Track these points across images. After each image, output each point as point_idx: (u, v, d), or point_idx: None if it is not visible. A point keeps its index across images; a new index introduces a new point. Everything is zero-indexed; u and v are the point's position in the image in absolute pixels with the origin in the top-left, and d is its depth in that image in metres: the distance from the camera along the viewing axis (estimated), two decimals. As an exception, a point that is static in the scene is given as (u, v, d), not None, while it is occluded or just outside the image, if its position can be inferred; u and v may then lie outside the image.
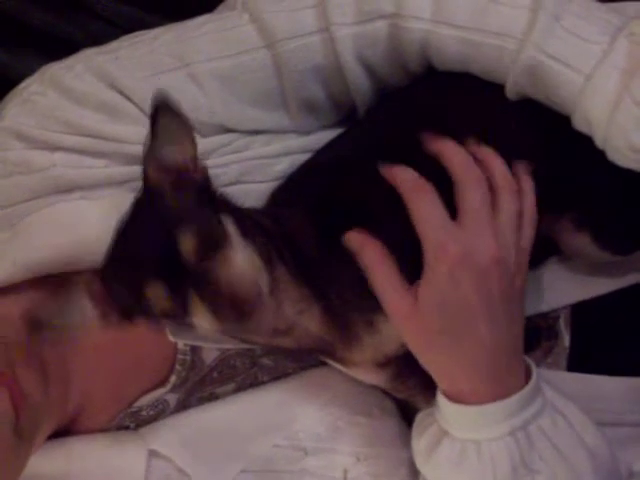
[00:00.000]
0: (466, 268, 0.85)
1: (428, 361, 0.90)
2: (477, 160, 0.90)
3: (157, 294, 0.83)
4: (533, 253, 0.93)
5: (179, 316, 0.84)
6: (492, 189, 0.89)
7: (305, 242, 0.93)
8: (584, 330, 1.08)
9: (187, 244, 0.82)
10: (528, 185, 0.91)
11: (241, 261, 0.84)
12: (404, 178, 0.89)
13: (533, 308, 1.05)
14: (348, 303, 0.92)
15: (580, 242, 1.01)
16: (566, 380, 1.00)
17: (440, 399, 0.91)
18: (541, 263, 1.07)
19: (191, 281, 0.83)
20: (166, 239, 0.83)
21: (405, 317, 0.87)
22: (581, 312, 1.08)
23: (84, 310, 0.88)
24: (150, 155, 0.86)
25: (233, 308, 0.82)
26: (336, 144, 1.04)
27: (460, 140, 0.91)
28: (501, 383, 0.88)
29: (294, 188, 1.02)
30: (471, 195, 0.88)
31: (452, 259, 0.85)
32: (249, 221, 0.90)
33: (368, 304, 0.91)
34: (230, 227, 0.86)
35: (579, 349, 1.07)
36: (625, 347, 1.08)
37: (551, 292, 1.06)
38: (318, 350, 0.96)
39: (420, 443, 0.95)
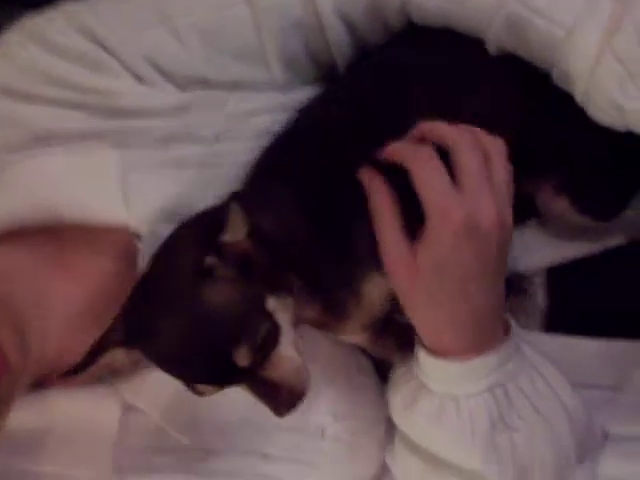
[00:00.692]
0: (469, 233, 0.85)
1: (416, 317, 0.90)
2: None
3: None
4: (515, 215, 0.92)
5: None
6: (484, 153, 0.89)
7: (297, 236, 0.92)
8: (560, 291, 1.08)
9: (243, 359, 0.83)
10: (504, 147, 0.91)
11: (291, 353, 0.86)
12: (404, 147, 0.89)
13: (510, 268, 1.05)
14: (338, 280, 0.92)
15: (560, 206, 1.01)
16: (542, 341, 1.00)
17: (421, 354, 0.91)
18: (521, 224, 1.06)
19: (244, 380, 0.85)
20: (218, 349, 0.83)
21: (402, 274, 0.87)
22: (558, 274, 1.08)
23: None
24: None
25: (287, 396, 0.85)
26: (315, 107, 1.03)
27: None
28: (483, 340, 0.89)
29: (277, 161, 1.00)
30: (468, 159, 0.87)
31: (456, 224, 0.85)
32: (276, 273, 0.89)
33: (353, 273, 0.92)
34: (277, 313, 0.86)
35: (555, 310, 1.08)
36: (601, 309, 1.08)
37: (529, 253, 1.06)
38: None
39: (397, 398, 0.95)
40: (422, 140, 0.89)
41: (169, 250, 0.88)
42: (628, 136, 0.92)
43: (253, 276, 0.85)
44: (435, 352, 0.90)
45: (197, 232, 0.87)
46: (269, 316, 0.85)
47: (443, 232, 0.85)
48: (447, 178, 0.86)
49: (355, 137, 0.94)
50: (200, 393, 0.86)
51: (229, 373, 0.84)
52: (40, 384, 1.00)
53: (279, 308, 0.87)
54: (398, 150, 0.89)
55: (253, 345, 0.83)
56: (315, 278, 0.91)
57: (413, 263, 0.86)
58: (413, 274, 0.87)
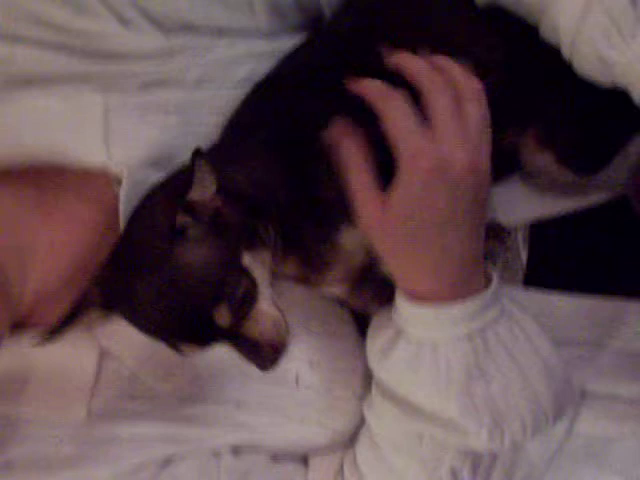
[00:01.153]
0: (440, 176, 0.85)
1: (392, 264, 0.90)
2: (437, 68, 0.89)
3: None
4: (497, 168, 0.92)
5: None
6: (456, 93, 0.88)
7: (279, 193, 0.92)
8: (542, 247, 1.08)
9: (223, 318, 0.84)
10: (481, 89, 0.89)
11: (270, 309, 0.87)
12: (373, 88, 0.87)
13: (492, 221, 1.06)
14: (314, 233, 0.92)
15: (543, 160, 1.01)
16: (522, 296, 1.00)
17: (399, 299, 0.91)
18: (504, 179, 1.06)
19: (226, 339, 0.86)
20: (198, 309, 0.84)
21: (375, 220, 0.87)
22: (540, 229, 1.08)
23: None
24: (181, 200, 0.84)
25: (269, 350, 0.86)
26: (291, 57, 1.02)
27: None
28: (462, 287, 0.89)
29: (250, 113, 1.00)
30: (439, 101, 0.86)
31: (426, 167, 0.84)
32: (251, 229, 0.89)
33: (328, 225, 0.92)
34: (254, 269, 0.86)
35: (536, 266, 1.07)
36: (582, 266, 1.08)
37: (511, 207, 1.06)
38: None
39: (375, 343, 0.95)
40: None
41: (142, 212, 0.89)
42: (614, 93, 0.91)
43: (227, 232, 0.85)
44: (413, 298, 0.89)
45: (167, 192, 0.88)
46: (246, 273, 0.86)
47: (413, 175, 0.85)
48: (417, 120, 0.85)
49: (328, 86, 0.93)
50: (184, 353, 0.87)
51: (210, 333, 0.85)
52: (18, 328, 0.99)
53: (255, 264, 0.87)
54: (368, 88, 0.88)
55: (232, 304, 0.84)
56: (292, 231, 0.91)
57: (385, 208, 0.86)
58: (385, 219, 0.86)
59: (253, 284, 0.86)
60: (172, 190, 0.86)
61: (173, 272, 0.83)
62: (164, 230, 0.84)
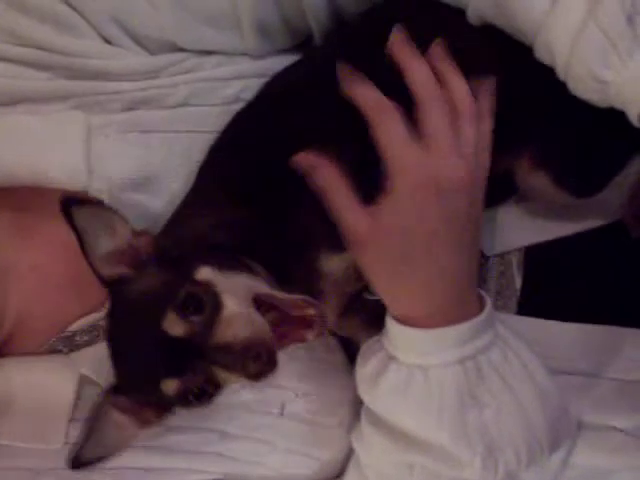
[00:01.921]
0: (431, 191, 0.83)
1: (381, 286, 0.88)
2: (439, 77, 0.87)
3: (177, 391, 0.83)
4: (491, 192, 0.91)
5: (214, 393, 0.83)
6: (453, 110, 0.86)
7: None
8: (536, 273, 1.05)
9: (173, 325, 0.81)
10: (488, 106, 0.88)
11: (239, 310, 0.82)
12: (368, 97, 0.86)
13: (487, 249, 1.03)
14: (298, 267, 0.91)
15: (539, 182, 0.98)
16: (516, 323, 0.97)
17: (390, 323, 0.89)
18: (499, 203, 1.04)
19: (206, 358, 0.81)
20: (158, 334, 0.81)
21: (362, 239, 0.85)
22: (534, 255, 1.05)
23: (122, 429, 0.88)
24: (92, 257, 0.84)
25: (260, 356, 0.80)
26: (287, 75, 1.01)
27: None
28: (454, 311, 0.87)
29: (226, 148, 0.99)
30: (435, 116, 0.85)
31: (417, 181, 0.83)
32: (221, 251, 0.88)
33: (310, 252, 0.91)
34: (214, 279, 0.83)
35: (531, 292, 1.05)
36: (577, 293, 1.06)
37: (505, 233, 1.04)
38: None
39: (365, 370, 0.92)
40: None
41: None
42: (612, 114, 0.89)
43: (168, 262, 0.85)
44: (404, 322, 0.87)
45: None
46: (197, 283, 0.82)
47: (402, 189, 0.83)
48: (408, 134, 0.84)
49: (308, 107, 0.93)
50: (169, 396, 0.83)
51: (179, 353, 0.81)
52: None
53: (221, 279, 0.84)
54: (365, 97, 0.85)
55: (179, 309, 0.80)
56: (277, 266, 0.90)
57: (373, 222, 0.84)
58: (372, 235, 0.84)
59: (213, 293, 0.82)
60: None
61: (123, 315, 0.85)
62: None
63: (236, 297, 0.82)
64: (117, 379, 0.87)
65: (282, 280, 0.89)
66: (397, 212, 0.83)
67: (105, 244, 0.84)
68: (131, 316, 0.84)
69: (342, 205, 0.85)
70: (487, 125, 0.88)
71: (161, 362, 0.82)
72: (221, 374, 0.82)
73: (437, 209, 0.83)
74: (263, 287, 0.85)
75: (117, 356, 0.86)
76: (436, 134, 0.84)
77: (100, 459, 0.87)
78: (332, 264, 0.91)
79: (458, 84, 0.87)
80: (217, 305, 0.81)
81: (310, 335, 0.84)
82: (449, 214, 0.84)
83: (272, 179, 0.90)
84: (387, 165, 0.83)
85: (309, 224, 0.89)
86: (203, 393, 0.83)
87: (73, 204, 0.82)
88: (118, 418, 0.87)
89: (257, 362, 0.79)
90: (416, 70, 0.86)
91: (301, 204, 0.89)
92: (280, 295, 0.84)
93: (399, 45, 0.87)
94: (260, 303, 0.83)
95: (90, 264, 0.84)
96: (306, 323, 0.84)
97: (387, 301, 0.88)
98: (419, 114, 0.85)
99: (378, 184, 0.84)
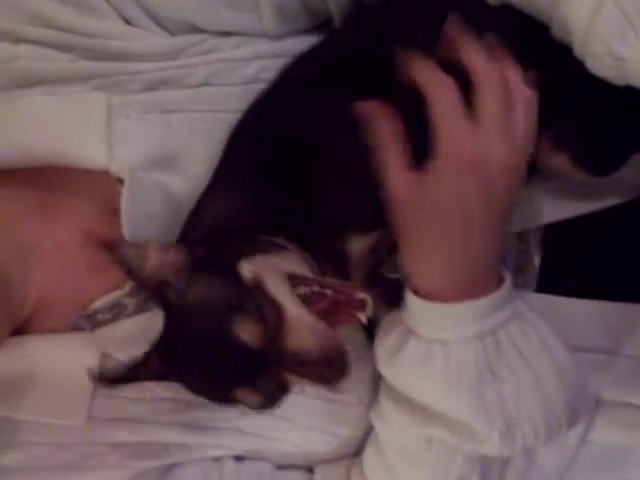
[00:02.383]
0: (477, 171, 0.84)
1: (407, 253, 0.89)
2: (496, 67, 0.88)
3: (252, 398, 0.85)
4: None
5: (282, 396, 0.86)
6: (508, 97, 0.87)
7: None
8: (555, 252, 1.05)
9: (250, 338, 0.82)
10: (536, 95, 0.88)
11: (302, 320, 0.83)
12: (427, 72, 0.86)
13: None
14: (324, 249, 0.92)
15: (558, 161, 0.99)
16: (535, 301, 0.98)
17: (409, 297, 0.89)
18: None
19: (279, 365, 0.82)
20: (228, 343, 0.82)
21: (402, 199, 0.86)
22: (554, 233, 1.06)
23: None
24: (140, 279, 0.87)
25: (333, 362, 0.81)
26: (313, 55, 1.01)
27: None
28: (474, 287, 0.87)
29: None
30: (491, 98, 0.85)
31: (465, 159, 0.83)
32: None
33: (337, 235, 0.92)
34: (257, 271, 0.85)
35: (549, 270, 1.05)
36: (595, 270, 1.06)
37: (524, 212, 1.03)
38: None
39: (385, 343, 0.93)
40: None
41: None
42: (629, 93, 0.89)
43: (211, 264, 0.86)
44: (425, 295, 0.88)
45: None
46: (252, 287, 0.84)
47: (450, 164, 0.84)
48: (465, 112, 0.84)
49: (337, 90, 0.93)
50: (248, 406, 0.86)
51: (251, 361, 0.82)
52: (20, 330, 0.98)
53: (266, 274, 0.84)
54: (422, 70, 0.86)
55: (248, 317, 0.82)
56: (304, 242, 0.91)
57: (414, 189, 0.85)
58: (412, 199, 0.85)
59: (261, 291, 0.83)
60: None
61: (185, 326, 0.86)
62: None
63: (287, 295, 0.84)
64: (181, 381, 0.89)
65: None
66: (439, 183, 0.84)
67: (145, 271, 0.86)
68: (194, 326, 0.85)
69: (392, 161, 0.86)
70: (534, 114, 0.88)
71: (234, 371, 0.83)
72: (293, 379, 0.84)
73: (478, 188, 0.84)
74: (309, 274, 0.88)
75: (181, 366, 0.88)
76: (490, 116, 0.85)
77: None
78: (358, 244, 0.93)
79: (514, 72, 0.87)
80: (278, 309, 0.82)
81: (363, 317, 0.85)
82: (488, 195, 0.84)
83: (298, 160, 0.91)
84: (437, 136, 0.84)
85: (335, 205, 0.90)
86: (272, 397, 0.85)
87: (115, 247, 0.86)
88: None
89: (331, 368, 0.81)
90: (475, 54, 0.86)
91: (327, 185, 0.90)
92: (333, 282, 0.86)
93: (456, 29, 0.87)
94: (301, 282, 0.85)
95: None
96: (352, 305, 0.85)
97: (411, 270, 0.89)
98: (476, 96, 0.85)
99: (425, 153, 0.85)
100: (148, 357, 0.90)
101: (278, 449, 1.01)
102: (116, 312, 1.00)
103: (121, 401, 0.98)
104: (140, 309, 1.01)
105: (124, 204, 0.92)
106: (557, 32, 0.90)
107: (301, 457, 1.03)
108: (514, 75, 0.87)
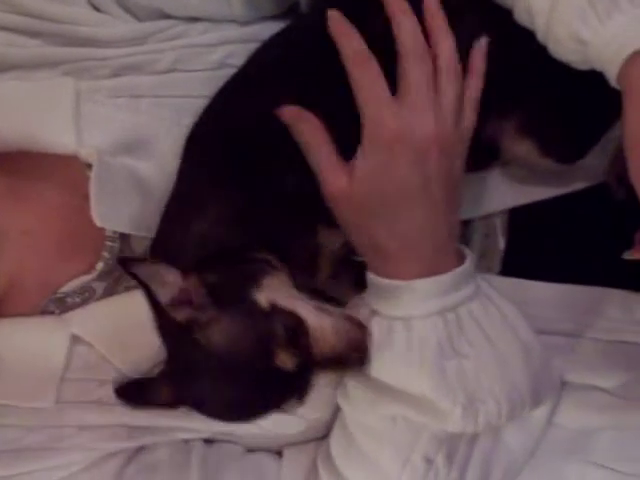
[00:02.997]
0: (404, 145, 0.85)
1: (361, 241, 0.90)
2: (427, 32, 0.88)
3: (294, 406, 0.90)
4: (476, 157, 0.92)
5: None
6: (435, 68, 0.88)
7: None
8: (520, 235, 1.07)
9: (290, 364, 0.85)
10: (480, 65, 0.90)
11: (324, 326, 0.86)
12: (352, 47, 0.87)
13: (471, 211, 1.04)
14: (297, 243, 0.93)
15: (523, 148, 1.00)
16: (500, 284, 0.98)
17: (370, 276, 0.91)
18: (484, 168, 1.05)
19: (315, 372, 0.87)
20: (269, 372, 0.85)
21: (340, 191, 0.87)
22: (518, 217, 1.07)
23: None
24: (161, 306, 0.86)
25: (357, 349, 0.87)
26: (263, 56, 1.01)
27: None
28: (433, 264, 0.88)
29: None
30: (415, 71, 0.86)
31: (390, 135, 0.84)
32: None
33: (307, 227, 0.93)
34: (278, 298, 0.87)
35: (514, 254, 1.06)
36: (560, 254, 1.07)
37: (489, 196, 1.05)
38: None
39: None
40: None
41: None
42: (593, 79, 0.90)
43: (225, 294, 0.87)
44: (385, 275, 0.89)
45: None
46: (274, 310, 0.86)
47: (376, 143, 0.84)
48: (386, 88, 0.85)
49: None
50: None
51: (294, 382, 0.86)
52: None
53: (276, 292, 0.87)
54: (345, 45, 0.87)
55: (284, 346, 0.84)
56: (278, 246, 0.92)
57: (349, 180, 0.86)
58: (350, 189, 0.86)
59: (290, 315, 0.86)
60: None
61: (216, 362, 0.86)
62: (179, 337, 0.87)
63: (297, 300, 0.87)
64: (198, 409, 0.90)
65: (282, 259, 0.92)
66: (370, 165, 0.85)
67: (163, 294, 0.85)
68: (222, 360, 0.86)
69: (322, 160, 0.87)
70: (477, 85, 0.89)
71: (281, 392, 0.87)
72: (322, 374, 0.89)
73: (408, 162, 0.85)
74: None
75: (201, 395, 0.89)
76: (414, 89, 0.85)
77: None
78: (330, 238, 0.93)
79: (445, 42, 0.88)
80: (300, 322, 0.85)
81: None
82: (422, 168, 0.85)
83: (265, 150, 0.91)
84: (363, 118, 0.85)
85: (306, 200, 0.90)
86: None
87: (129, 263, 0.85)
88: None
89: (358, 353, 0.87)
90: (403, 23, 0.87)
91: (295, 173, 0.90)
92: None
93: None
94: None
95: (162, 313, 0.86)
96: None
97: (366, 256, 0.90)
98: (400, 68, 0.86)
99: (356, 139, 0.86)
100: (156, 384, 0.92)
101: (247, 432, 1.02)
102: (85, 296, 1.00)
103: (90, 384, 0.98)
104: (109, 292, 1.02)
105: (93, 189, 0.92)
106: (520, 16, 0.91)
107: (270, 439, 1.04)
108: (445, 44, 0.88)
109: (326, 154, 0.87)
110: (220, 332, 0.85)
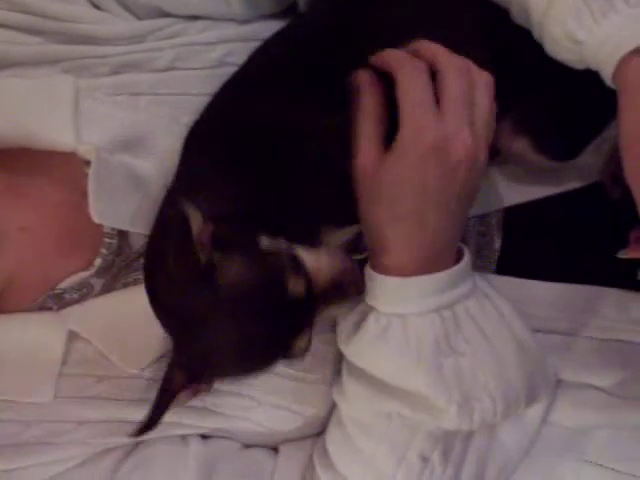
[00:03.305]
0: (437, 155, 0.85)
1: (368, 226, 0.90)
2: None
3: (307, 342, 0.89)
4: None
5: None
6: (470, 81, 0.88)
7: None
8: (516, 234, 1.07)
9: (299, 289, 0.86)
10: (492, 81, 0.90)
11: (320, 262, 0.88)
12: (395, 56, 0.88)
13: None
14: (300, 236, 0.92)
15: (518, 146, 1.00)
16: (496, 282, 0.99)
17: (369, 273, 0.91)
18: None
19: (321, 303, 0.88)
20: (283, 300, 0.85)
21: (367, 172, 0.87)
22: (514, 216, 1.07)
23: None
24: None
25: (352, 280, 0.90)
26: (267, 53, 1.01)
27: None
28: (432, 263, 0.88)
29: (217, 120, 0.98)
30: (455, 84, 0.86)
31: (427, 143, 0.84)
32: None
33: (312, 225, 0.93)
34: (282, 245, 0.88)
35: (509, 253, 1.07)
36: (555, 253, 1.08)
37: (485, 194, 1.05)
38: None
39: (346, 321, 0.95)
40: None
41: (161, 279, 0.89)
42: (590, 78, 0.90)
43: (235, 241, 0.86)
44: (384, 271, 0.89)
45: (173, 245, 0.86)
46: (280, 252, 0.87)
47: (412, 147, 0.85)
48: (432, 97, 0.86)
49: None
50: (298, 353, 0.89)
51: (302, 310, 0.87)
52: None
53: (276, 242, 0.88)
54: (392, 56, 0.88)
55: (294, 272, 0.86)
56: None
57: (378, 167, 0.86)
58: (376, 175, 0.87)
59: (288, 254, 0.87)
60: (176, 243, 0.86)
61: (231, 302, 0.85)
62: (196, 280, 0.85)
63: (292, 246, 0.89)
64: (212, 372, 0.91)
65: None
66: (401, 164, 0.85)
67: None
68: (235, 302, 0.85)
69: (366, 130, 0.88)
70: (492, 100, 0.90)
71: (292, 323, 0.87)
72: (325, 309, 0.89)
73: (439, 172, 0.85)
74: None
75: (209, 352, 0.88)
76: (453, 99, 0.86)
77: None
78: (334, 237, 0.94)
79: (467, 59, 0.88)
80: (298, 259, 0.87)
81: None
82: (449, 179, 0.86)
83: (267, 150, 0.91)
84: (404, 121, 0.85)
85: (310, 197, 0.90)
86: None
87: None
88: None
89: (353, 285, 0.90)
90: (432, 46, 0.88)
91: (299, 174, 0.90)
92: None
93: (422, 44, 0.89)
94: None
95: (181, 257, 0.85)
96: None
97: (371, 245, 0.91)
98: (439, 80, 0.87)
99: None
100: (170, 374, 0.90)
101: (243, 428, 1.03)
102: (83, 292, 1.01)
103: (88, 379, 0.99)
104: (107, 289, 1.02)
105: (91, 186, 0.93)
106: (516, 16, 0.91)
107: (266, 436, 1.04)
108: (470, 62, 0.88)
109: (373, 126, 0.87)
110: (236, 268, 0.85)
